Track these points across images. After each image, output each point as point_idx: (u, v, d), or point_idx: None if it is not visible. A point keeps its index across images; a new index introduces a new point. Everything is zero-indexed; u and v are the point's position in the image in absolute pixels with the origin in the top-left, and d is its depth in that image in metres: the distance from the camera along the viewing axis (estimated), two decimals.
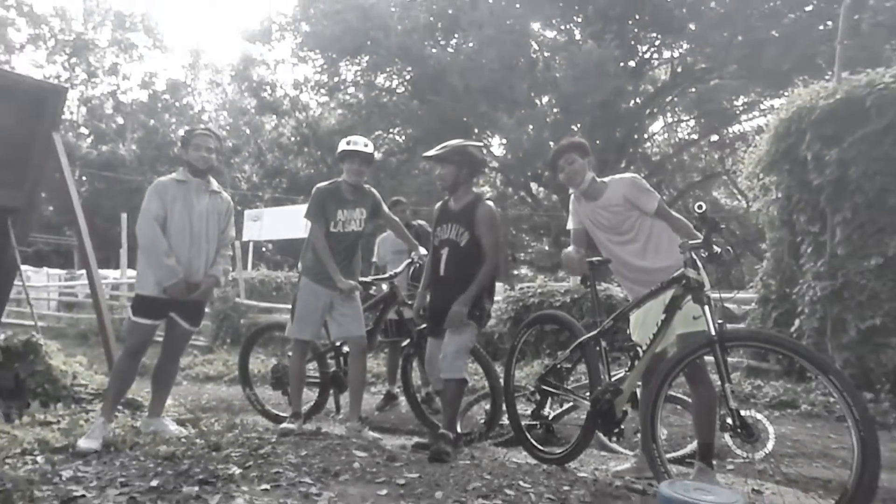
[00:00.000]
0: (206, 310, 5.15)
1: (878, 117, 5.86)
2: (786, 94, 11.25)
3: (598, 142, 18.65)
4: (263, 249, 25.69)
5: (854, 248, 6.01)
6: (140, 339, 3.97)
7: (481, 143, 4.30)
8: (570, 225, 3.72)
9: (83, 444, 3.53)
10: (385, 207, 4.69)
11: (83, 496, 2.71)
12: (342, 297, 4.33)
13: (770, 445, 3.98)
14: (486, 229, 3.91)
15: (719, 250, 2.95)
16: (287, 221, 14.20)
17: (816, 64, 16.36)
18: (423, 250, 4.67)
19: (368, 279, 4.96)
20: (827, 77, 7.59)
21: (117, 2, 51.91)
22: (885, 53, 12.05)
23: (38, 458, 3.33)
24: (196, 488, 2.78)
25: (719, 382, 2.83)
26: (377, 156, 5.37)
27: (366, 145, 4.42)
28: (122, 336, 8.17)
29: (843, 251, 6.07)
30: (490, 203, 4.04)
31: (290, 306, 4.63)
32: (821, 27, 16.55)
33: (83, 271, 8.65)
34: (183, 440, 3.68)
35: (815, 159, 6.26)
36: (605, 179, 3.57)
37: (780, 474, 3.71)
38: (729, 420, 2.75)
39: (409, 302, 4.77)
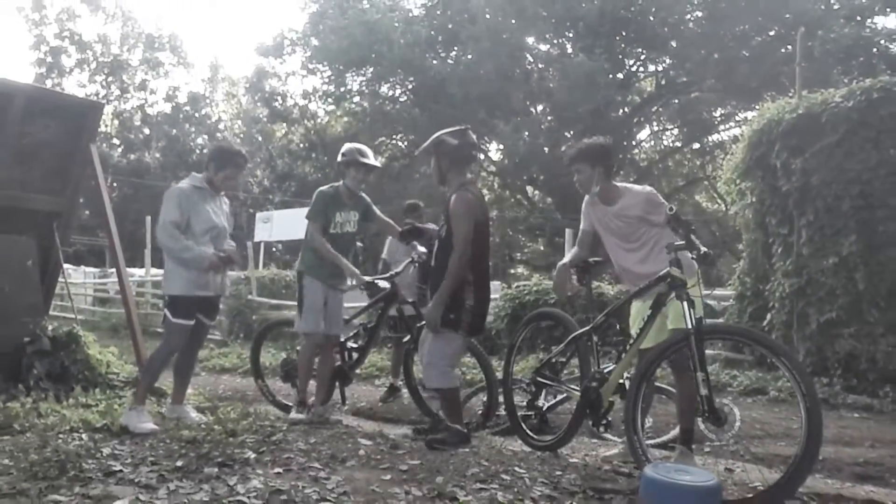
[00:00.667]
0: (221, 306, 5.24)
1: (831, 132, 6.03)
2: (757, 107, 11.44)
3: None
4: (273, 249, 25.66)
5: (816, 248, 6.13)
6: (180, 338, 4.05)
7: (462, 127, 3.76)
8: (581, 226, 3.63)
9: (145, 427, 3.65)
10: (376, 210, 4.67)
11: (121, 471, 2.82)
12: (333, 295, 4.36)
13: (736, 427, 4.06)
14: (456, 219, 3.59)
15: (705, 250, 2.95)
16: (296, 223, 14.12)
17: (781, 82, 16.53)
18: (421, 248, 4.64)
19: (370, 278, 4.96)
20: (790, 94, 7.73)
21: (148, 23, 53.06)
22: (834, 76, 12.49)
23: (83, 436, 3.47)
24: (216, 470, 2.85)
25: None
26: (380, 161, 5.46)
27: (374, 159, 4.50)
28: (148, 329, 8.22)
29: (807, 251, 6.19)
30: (466, 192, 3.66)
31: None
32: (783, 50, 16.90)
33: (114, 270, 8.77)
34: (203, 426, 3.73)
35: (784, 167, 6.36)
36: (621, 186, 3.45)
37: (749, 453, 3.78)
38: (700, 406, 2.82)
39: (410, 300, 4.78)
